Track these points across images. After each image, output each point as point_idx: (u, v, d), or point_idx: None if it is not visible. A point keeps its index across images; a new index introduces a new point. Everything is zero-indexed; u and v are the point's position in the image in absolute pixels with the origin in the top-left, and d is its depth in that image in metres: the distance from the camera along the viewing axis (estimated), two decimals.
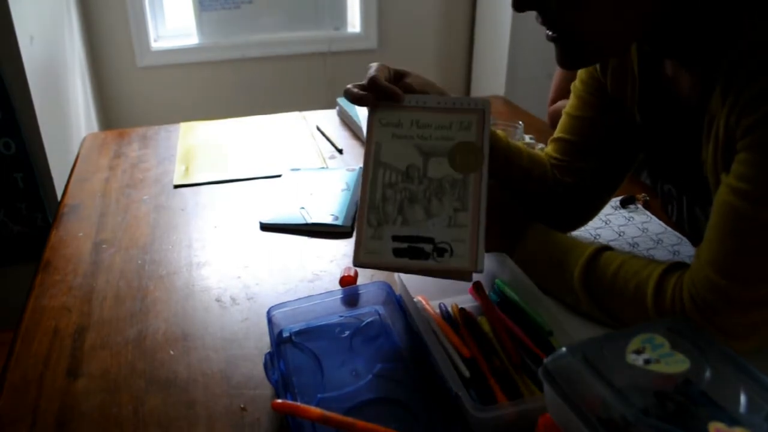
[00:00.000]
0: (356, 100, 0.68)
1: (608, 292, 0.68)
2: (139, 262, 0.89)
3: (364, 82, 0.68)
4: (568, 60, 0.66)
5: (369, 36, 2.69)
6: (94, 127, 2.31)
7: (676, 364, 0.45)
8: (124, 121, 2.52)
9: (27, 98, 1.59)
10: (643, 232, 0.94)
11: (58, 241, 0.95)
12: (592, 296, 0.70)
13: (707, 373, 0.45)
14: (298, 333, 0.70)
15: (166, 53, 2.51)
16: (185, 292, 0.82)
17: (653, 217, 0.97)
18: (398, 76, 0.72)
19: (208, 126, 1.42)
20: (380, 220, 0.64)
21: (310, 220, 0.97)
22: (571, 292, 0.72)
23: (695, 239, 0.85)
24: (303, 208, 1.00)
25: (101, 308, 0.79)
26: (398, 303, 0.71)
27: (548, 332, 0.67)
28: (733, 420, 0.41)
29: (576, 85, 0.86)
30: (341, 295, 0.73)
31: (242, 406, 0.63)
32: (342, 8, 2.68)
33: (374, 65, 0.70)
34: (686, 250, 0.88)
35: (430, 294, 0.74)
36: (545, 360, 0.48)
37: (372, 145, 0.67)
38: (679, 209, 0.84)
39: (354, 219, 0.96)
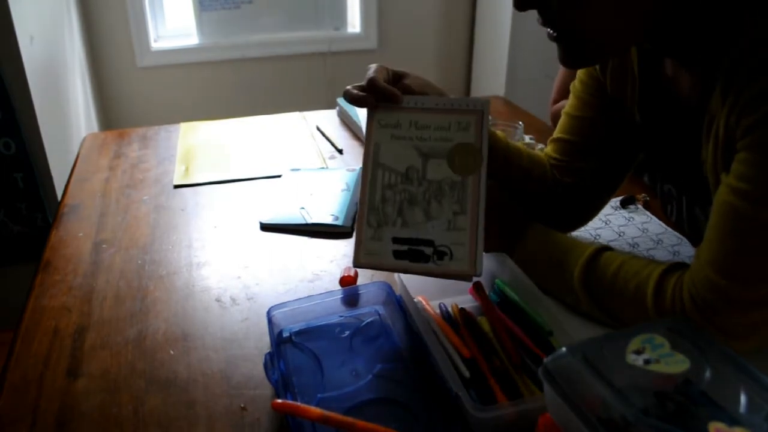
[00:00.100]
0: (355, 101, 0.68)
1: (608, 292, 0.69)
2: (139, 262, 0.89)
3: (363, 83, 0.68)
4: (570, 59, 0.66)
5: (369, 36, 2.69)
6: (94, 127, 2.31)
7: (676, 364, 0.45)
8: (124, 121, 2.52)
9: (27, 98, 1.59)
10: (643, 232, 0.94)
11: (58, 241, 0.95)
12: (592, 296, 0.70)
13: (707, 373, 0.45)
14: (298, 333, 0.70)
15: (166, 53, 2.51)
16: (185, 292, 0.82)
17: (653, 217, 0.97)
18: (397, 77, 0.72)
19: (208, 126, 1.42)
20: (380, 222, 0.64)
21: (310, 220, 0.97)
22: (571, 292, 0.72)
23: (695, 239, 0.85)
24: (303, 208, 1.00)
25: (101, 308, 0.79)
26: (398, 303, 0.71)
27: (548, 332, 0.67)
28: (733, 420, 0.41)
29: (575, 86, 0.86)
30: (341, 295, 0.73)
31: (242, 406, 0.63)
32: (342, 8, 2.68)
33: (373, 66, 0.70)
34: (686, 250, 0.88)
35: (430, 294, 0.74)
36: (545, 360, 0.48)
37: (371, 146, 0.67)
38: (679, 209, 0.84)
39: (354, 219, 0.97)
